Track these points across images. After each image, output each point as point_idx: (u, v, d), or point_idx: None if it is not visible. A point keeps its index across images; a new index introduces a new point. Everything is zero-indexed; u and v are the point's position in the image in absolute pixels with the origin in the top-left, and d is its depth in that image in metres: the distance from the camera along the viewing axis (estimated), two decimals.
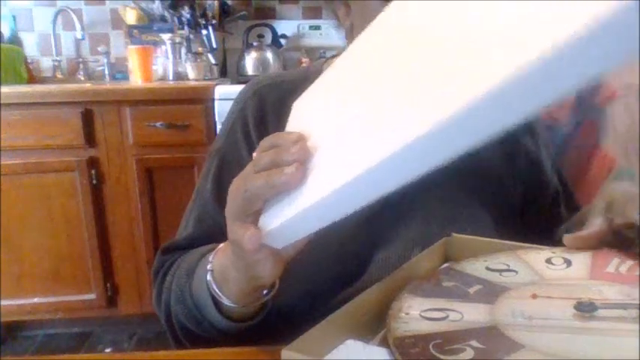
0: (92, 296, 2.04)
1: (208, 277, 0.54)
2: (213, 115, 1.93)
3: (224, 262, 0.52)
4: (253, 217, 0.44)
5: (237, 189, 0.45)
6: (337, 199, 0.36)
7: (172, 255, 0.68)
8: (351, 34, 0.71)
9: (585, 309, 0.41)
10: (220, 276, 0.53)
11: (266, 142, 0.45)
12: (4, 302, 1.98)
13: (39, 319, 2.08)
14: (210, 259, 0.54)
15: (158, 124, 1.91)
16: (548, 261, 0.52)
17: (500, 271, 0.51)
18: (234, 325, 0.56)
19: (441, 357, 0.36)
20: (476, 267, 0.52)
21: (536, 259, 0.52)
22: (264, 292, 0.54)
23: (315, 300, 0.62)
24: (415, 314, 0.44)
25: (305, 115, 0.50)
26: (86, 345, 2.09)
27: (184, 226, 0.71)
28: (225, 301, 0.53)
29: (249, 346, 0.53)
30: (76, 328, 2.17)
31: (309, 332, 0.41)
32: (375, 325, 0.46)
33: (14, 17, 2.42)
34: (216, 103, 1.91)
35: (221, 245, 0.55)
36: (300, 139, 0.42)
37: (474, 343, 0.38)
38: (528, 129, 0.75)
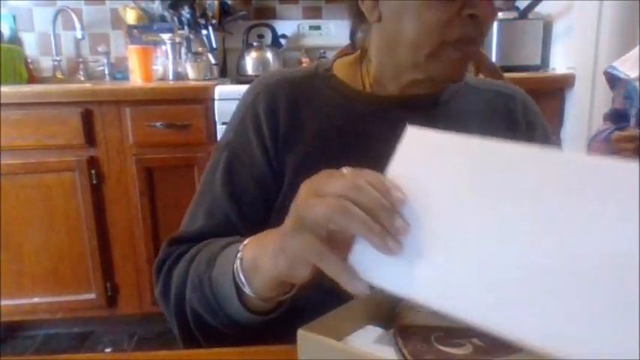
0: (92, 296, 2.04)
1: (237, 264, 0.54)
2: (213, 115, 1.93)
3: (259, 252, 0.52)
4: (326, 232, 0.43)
5: (328, 204, 0.42)
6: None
7: (179, 247, 0.67)
8: (361, 28, 0.71)
9: None
10: (250, 265, 0.53)
11: (372, 176, 0.43)
12: (4, 302, 1.98)
13: (39, 319, 2.08)
14: (240, 248, 0.55)
15: (158, 124, 1.91)
16: None
17: None
18: (252, 317, 0.55)
19: (440, 347, 0.37)
20: None
21: None
22: (287, 289, 0.54)
23: (327, 293, 0.62)
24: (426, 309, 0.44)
25: (422, 181, 0.45)
26: (86, 345, 2.09)
27: (192, 220, 0.71)
28: (248, 290, 0.53)
29: (258, 342, 0.54)
30: (76, 328, 2.17)
31: (326, 315, 0.41)
32: (392, 315, 0.46)
33: (14, 17, 2.42)
34: (216, 103, 1.91)
35: (254, 236, 0.55)
36: (402, 204, 0.42)
37: (475, 340, 0.38)
38: (527, 123, 0.75)
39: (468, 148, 0.43)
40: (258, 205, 0.69)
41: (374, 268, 0.41)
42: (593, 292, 0.33)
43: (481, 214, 0.39)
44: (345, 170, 0.45)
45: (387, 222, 0.40)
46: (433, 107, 0.73)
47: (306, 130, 0.71)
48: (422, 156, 0.45)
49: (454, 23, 0.60)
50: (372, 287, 0.46)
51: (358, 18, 0.71)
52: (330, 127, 0.71)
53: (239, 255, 0.54)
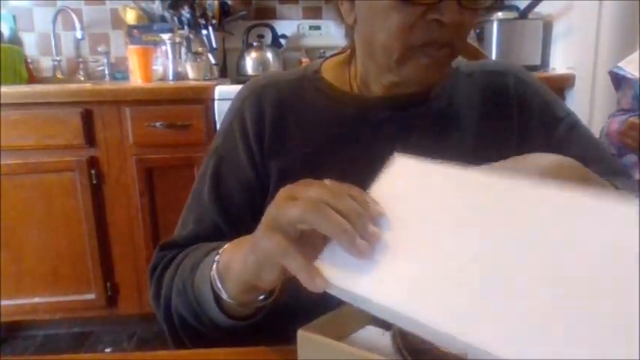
0: (92, 296, 2.04)
1: (213, 269, 0.54)
2: (213, 115, 1.93)
3: (233, 256, 0.52)
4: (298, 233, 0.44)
5: (303, 204, 0.42)
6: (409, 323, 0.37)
7: (171, 252, 0.68)
8: (352, 30, 0.71)
9: None
10: (225, 268, 0.53)
11: (352, 189, 0.44)
12: (4, 302, 1.98)
13: (39, 319, 2.08)
14: (220, 251, 0.55)
15: (158, 124, 1.91)
16: None
17: None
18: (231, 322, 0.56)
19: (440, 347, 0.37)
20: None
21: None
22: (261, 297, 0.54)
23: (318, 298, 0.62)
24: None
25: (405, 200, 0.46)
26: (86, 345, 2.09)
27: (183, 225, 0.71)
28: (224, 295, 0.53)
29: (250, 344, 0.54)
30: (76, 328, 2.17)
31: (326, 315, 0.42)
32: None
33: (14, 17, 2.42)
34: (216, 103, 1.91)
35: (232, 241, 0.55)
36: (379, 215, 0.42)
37: None
38: (519, 96, 0.72)
39: (452, 177, 0.44)
40: (245, 210, 0.69)
41: (340, 272, 0.41)
42: (582, 315, 0.32)
43: (459, 240, 0.39)
44: (327, 181, 0.46)
45: (361, 226, 0.41)
46: (422, 104, 0.71)
47: (291, 134, 0.70)
48: (405, 180, 0.46)
49: (418, 27, 0.59)
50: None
51: (341, 19, 0.71)
52: (316, 129, 0.71)
53: (216, 258, 0.54)
